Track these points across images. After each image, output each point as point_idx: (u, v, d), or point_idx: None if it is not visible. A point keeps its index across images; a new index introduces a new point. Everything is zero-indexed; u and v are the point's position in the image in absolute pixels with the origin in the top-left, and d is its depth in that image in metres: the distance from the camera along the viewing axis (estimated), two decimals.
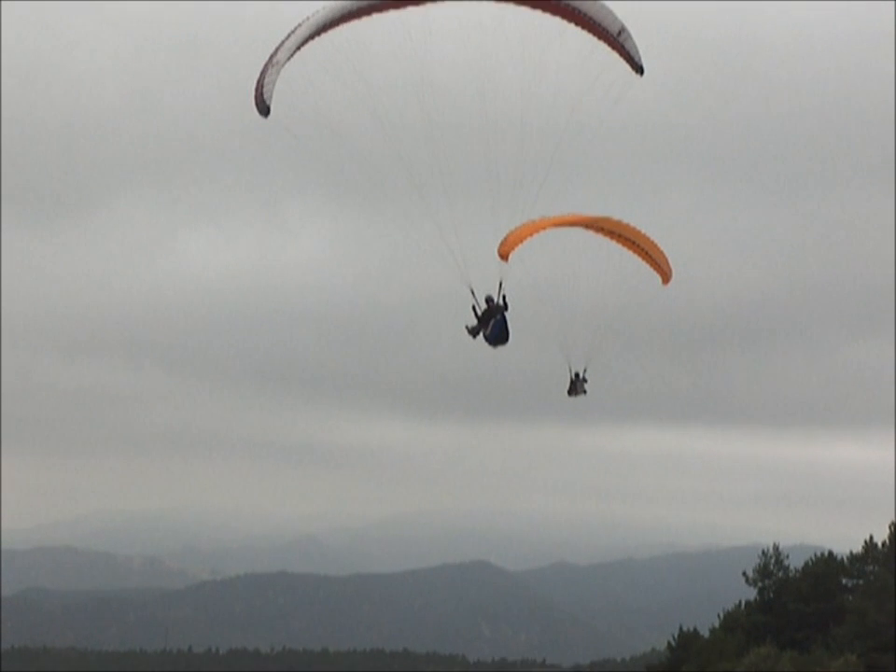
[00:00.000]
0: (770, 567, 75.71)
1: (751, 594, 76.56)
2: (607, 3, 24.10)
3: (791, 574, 75.46)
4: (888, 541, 71.80)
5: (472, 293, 24.90)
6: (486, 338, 25.17)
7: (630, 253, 27.30)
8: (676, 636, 75.05)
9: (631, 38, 24.42)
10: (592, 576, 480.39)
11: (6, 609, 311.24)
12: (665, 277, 28.04)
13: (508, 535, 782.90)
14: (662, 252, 27.56)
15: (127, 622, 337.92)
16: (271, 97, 22.33)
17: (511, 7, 23.55)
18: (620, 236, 27.06)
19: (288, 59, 22.31)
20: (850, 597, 70.85)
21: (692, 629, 75.21)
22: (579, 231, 26.47)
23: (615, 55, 24.47)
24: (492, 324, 24.97)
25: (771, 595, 74.51)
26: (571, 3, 23.69)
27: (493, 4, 23.48)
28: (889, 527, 71.97)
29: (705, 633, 74.72)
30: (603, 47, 24.29)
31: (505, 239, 24.62)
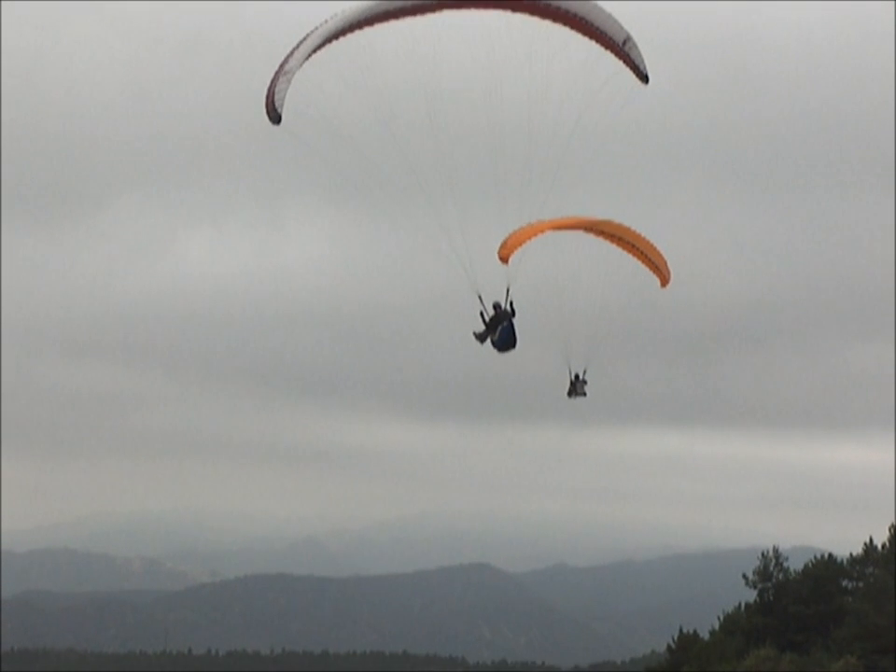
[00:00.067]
0: (770, 569, 75.71)
1: (751, 596, 76.56)
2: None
3: (790, 576, 75.45)
4: (888, 543, 71.83)
5: (480, 299, 25.14)
6: (494, 344, 25.46)
7: (629, 255, 27.40)
8: (675, 637, 75.08)
9: (636, 47, 24.76)
10: (592, 578, 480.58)
11: (5, 611, 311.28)
12: (664, 280, 28.16)
13: (508, 537, 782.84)
14: (660, 255, 27.68)
15: (126, 623, 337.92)
16: (282, 105, 22.43)
17: (519, 16, 23.81)
18: (618, 238, 27.18)
19: (299, 67, 22.41)
20: (850, 599, 70.87)
21: (691, 631, 75.25)
22: (577, 234, 26.60)
23: (620, 63, 24.79)
24: (499, 330, 25.23)
25: (771, 597, 74.50)
26: (578, 13, 24.01)
27: (501, 12, 23.74)
28: (889, 529, 72.01)
29: (704, 635, 74.75)
30: (609, 55, 24.61)
31: (505, 242, 24.73)
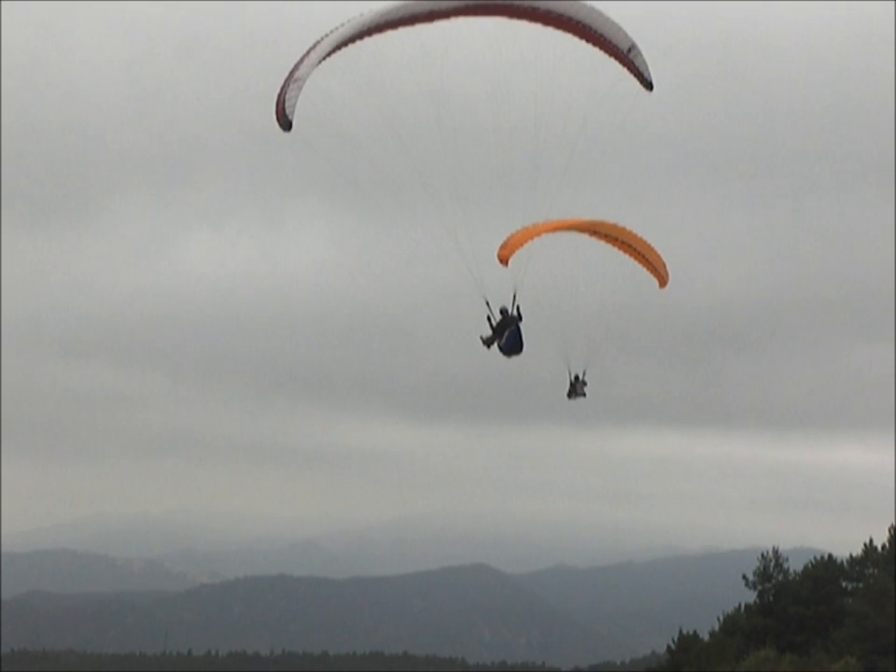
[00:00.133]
0: (770, 570, 75.72)
1: (751, 597, 76.55)
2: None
3: (790, 577, 75.45)
4: (887, 544, 71.84)
5: (488, 304, 25.31)
6: (501, 348, 25.66)
7: (627, 257, 27.47)
8: (675, 639, 75.01)
9: (641, 55, 25.09)
10: (591, 579, 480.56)
11: (5, 612, 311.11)
12: (662, 281, 28.23)
13: (508, 538, 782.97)
14: (659, 256, 27.75)
15: (127, 625, 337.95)
16: (293, 112, 22.51)
17: (526, 23, 24.13)
18: (616, 240, 27.26)
19: (310, 75, 22.53)
20: (850, 600, 70.85)
21: (691, 632, 75.19)
22: (576, 236, 26.68)
23: (625, 71, 25.15)
24: (506, 335, 25.42)
25: (771, 598, 74.51)
26: (584, 20, 24.34)
27: (508, 20, 24.03)
28: (889, 530, 72.02)
29: (704, 636, 74.68)
30: (614, 63, 24.96)
31: (504, 243, 24.84)
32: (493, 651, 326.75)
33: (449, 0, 23.32)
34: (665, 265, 27.93)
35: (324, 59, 22.65)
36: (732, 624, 74.48)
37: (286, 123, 22.59)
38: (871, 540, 73.87)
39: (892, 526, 71.91)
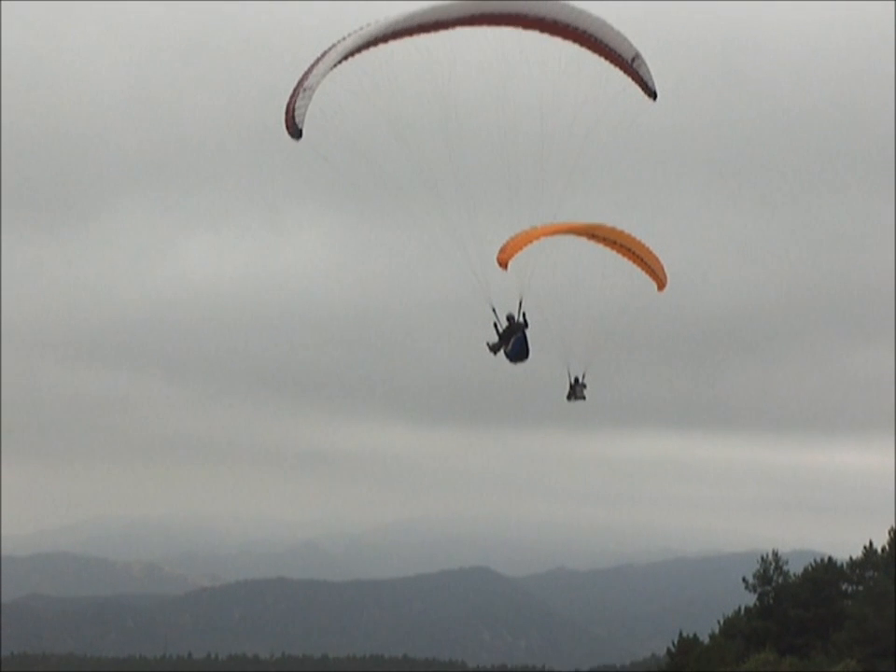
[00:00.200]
0: (770, 573, 75.67)
1: (751, 599, 76.50)
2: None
3: (790, 580, 75.39)
4: (887, 547, 71.79)
5: (494, 311, 25.61)
6: (507, 354, 25.96)
7: (625, 260, 27.56)
8: (675, 641, 74.91)
9: (645, 65, 25.62)
10: (592, 582, 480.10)
11: (5, 616, 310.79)
12: (661, 284, 28.32)
13: (508, 541, 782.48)
14: (657, 259, 27.87)
15: (126, 628, 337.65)
16: (303, 121, 22.73)
17: (532, 33, 24.55)
18: (614, 243, 27.37)
19: (319, 84, 22.69)
20: (850, 603, 70.77)
21: (691, 635, 75.07)
22: (575, 239, 26.80)
23: (629, 80, 25.63)
24: (512, 341, 25.73)
25: (771, 600, 74.46)
26: (589, 30, 24.82)
27: (514, 29, 24.39)
28: (889, 533, 71.95)
29: (704, 639, 74.59)
30: (618, 72, 25.43)
31: (503, 247, 24.98)
32: (493, 653, 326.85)
33: (457, 10, 23.64)
34: (663, 268, 28.05)
35: (333, 68, 22.82)
36: (732, 627, 74.42)
37: (296, 132, 22.79)
38: (871, 543, 73.83)
39: (892, 529, 71.82)
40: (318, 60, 23.08)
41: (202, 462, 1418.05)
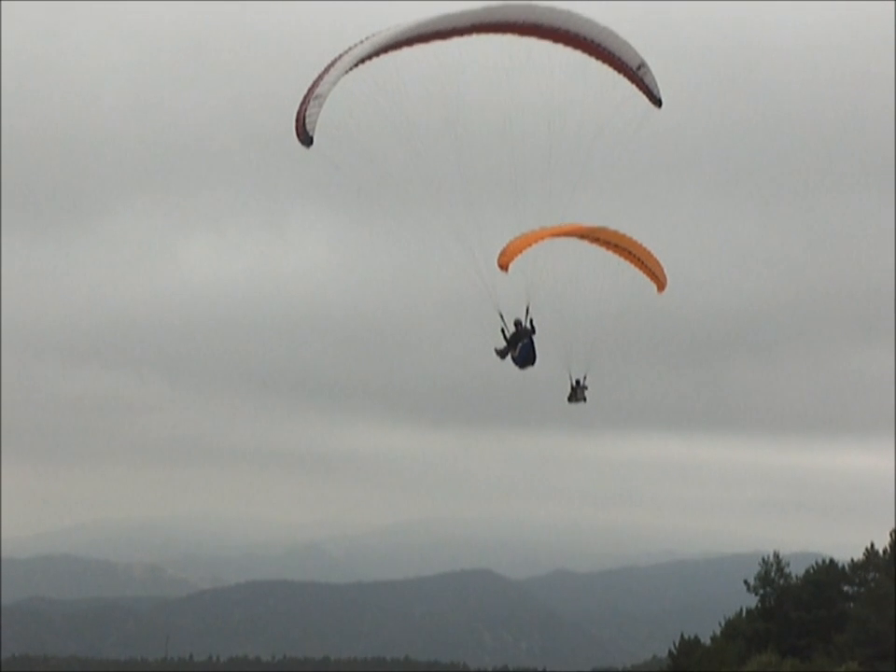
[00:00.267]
0: (771, 575, 75.69)
1: (753, 601, 76.54)
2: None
3: (792, 581, 75.43)
4: (889, 549, 71.80)
5: (501, 317, 25.76)
6: (514, 360, 26.11)
7: (625, 262, 27.63)
8: (677, 643, 75.00)
9: (650, 73, 25.98)
10: (593, 584, 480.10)
11: (6, 618, 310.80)
12: (660, 286, 28.38)
13: (509, 543, 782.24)
14: (657, 260, 27.93)
15: (128, 630, 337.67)
16: (314, 129, 22.86)
17: (539, 41, 24.90)
18: (614, 245, 27.45)
19: (330, 92, 22.84)
20: (851, 605, 70.86)
21: (693, 636, 75.15)
22: (575, 241, 26.89)
23: (634, 87, 26.02)
24: (520, 347, 25.88)
25: (772, 602, 74.49)
26: (596, 39, 25.23)
27: (520, 38, 24.72)
28: (891, 534, 71.94)
29: (706, 640, 74.67)
30: (623, 79, 25.84)
31: (504, 250, 25.02)
32: (494, 655, 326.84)
33: (466, 19, 23.91)
34: (663, 270, 28.10)
35: (344, 75, 22.99)
36: (733, 629, 74.46)
37: (307, 139, 22.91)
38: (872, 545, 73.88)
39: (894, 530, 71.83)
40: (328, 67, 23.24)
41: (203, 464, 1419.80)
